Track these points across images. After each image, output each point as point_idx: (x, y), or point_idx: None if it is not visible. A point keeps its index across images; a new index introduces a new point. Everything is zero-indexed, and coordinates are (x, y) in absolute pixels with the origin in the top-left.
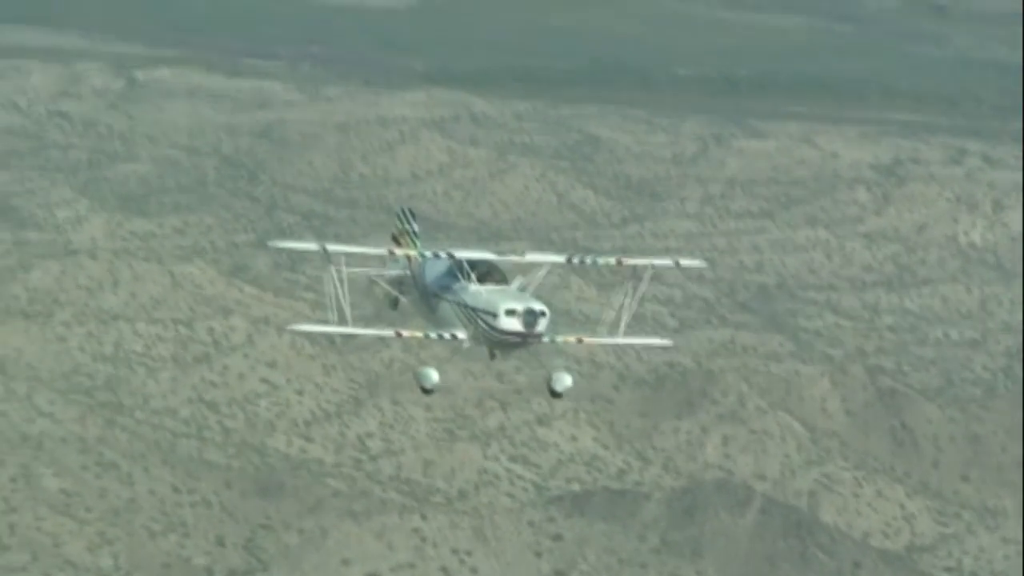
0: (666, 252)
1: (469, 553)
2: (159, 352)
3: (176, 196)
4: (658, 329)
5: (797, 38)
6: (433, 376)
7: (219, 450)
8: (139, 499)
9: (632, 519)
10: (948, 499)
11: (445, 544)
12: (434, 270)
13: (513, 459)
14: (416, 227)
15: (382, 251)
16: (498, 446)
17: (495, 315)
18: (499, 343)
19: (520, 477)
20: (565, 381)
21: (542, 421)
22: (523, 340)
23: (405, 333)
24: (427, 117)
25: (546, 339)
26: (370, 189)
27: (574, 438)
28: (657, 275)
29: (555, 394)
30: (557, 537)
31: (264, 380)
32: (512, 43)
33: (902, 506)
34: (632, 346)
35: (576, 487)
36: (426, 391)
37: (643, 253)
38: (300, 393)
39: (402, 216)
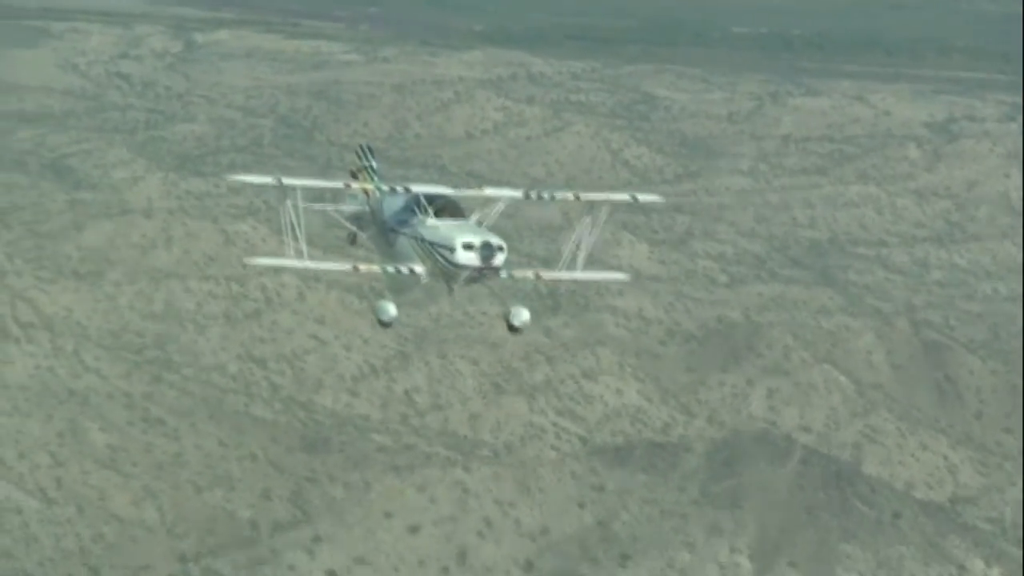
0: (719, 208)
1: (512, 505)
2: (210, 309)
3: (232, 156)
4: (708, 284)
5: None
6: (391, 310)
7: (266, 406)
8: (185, 453)
9: (673, 471)
10: (991, 450)
11: (488, 496)
12: (392, 205)
13: (559, 413)
14: (375, 163)
15: (339, 184)
16: (544, 400)
17: (452, 249)
18: (456, 277)
19: (566, 430)
20: (523, 316)
21: (588, 375)
22: (480, 274)
23: (362, 267)
24: (484, 77)
25: (504, 274)
26: (424, 148)
27: (620, 392)
28: (709, 231)
29: (513, 328)
30: (599, 488)
31: (312, 336)
32: (571, 3)
33: (945, 457)
34: (591, 281)
35: (620, 440)
36: (384, 324)
37: (696, 210)
38: (348, 349)
39: (361, 152)
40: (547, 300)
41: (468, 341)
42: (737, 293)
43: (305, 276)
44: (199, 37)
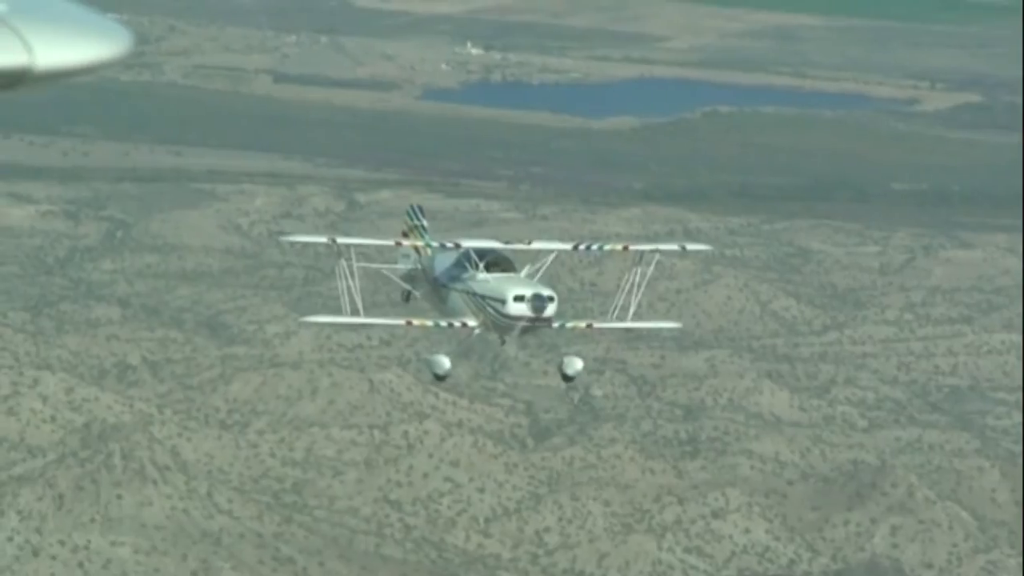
0: (862, 357)
1: None
2: (350, 456)
3: (385, 309)
4: (846, 429)
5: (1012, 154)
6: (445, 363)
7: (397, 546)
8: None
9: None
10: None
11: None
12: (443, 261)
13: (687, 551)
14: (425, 222)
15: (390, 242)
16: (673, 538)
17: (504, 301)
18: (508, 329)
19: (694, 567)
20: (576, 365)
21: (717, 515)
22: (532, 325)
23: (415, 322)
24: (641, 233)
25: (555, 324)
26: (576, 302)
27: (748, 530)
28: (851, 379)
29: (567, 378)
30: None
31: (448, 479)
32: (733, 162)
33: None
34: (642, 329)
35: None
36: (439, 378)
37: (840, 359)
38: (482, 491)
39: (412, 213)
40: (686, 446)
41: (600, 483)
42: (874, 437)
43: (449, 424)
44: (361, 197)
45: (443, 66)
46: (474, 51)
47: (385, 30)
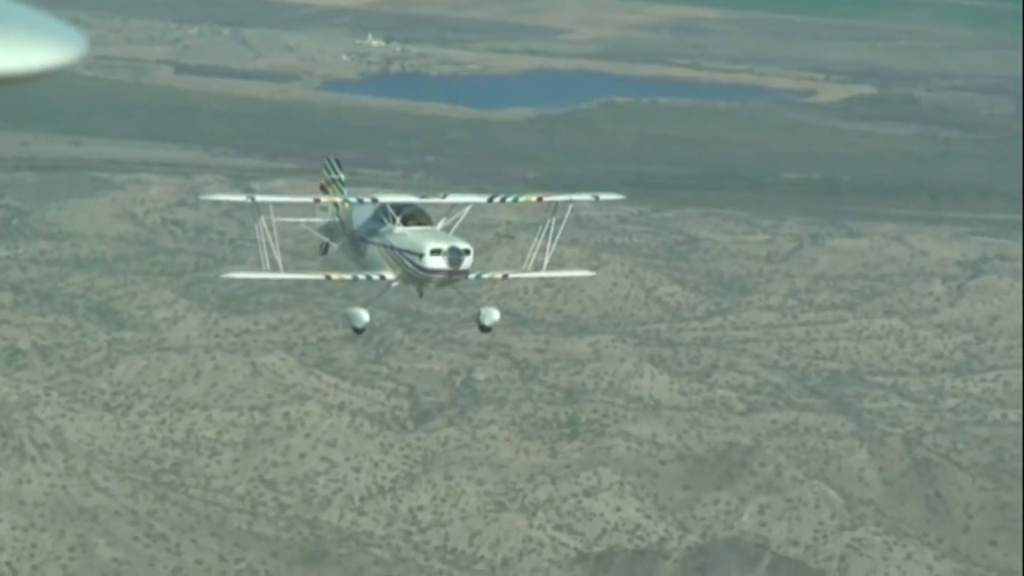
0: (744, 342)
1: None
2: (230, 437)
3: (276, 295)
4: (724, 412)
5: (905, 145)
6: (363, 316)
7: (271, 523)
8: (186, 567)
9: None
10: (976, 562)
11: None
12: (361, 216)
13: (558, 528)
14: (342, 176)
15: (308, 199)
16: (544, 516)
17: (420, 255)
18: (425, 282)
19: (564, 544)
20: (493, 315)
21: (589, 493)
22: (449, 278)
23: (334, 276)
24: (530, 221)
25: (472, 276)
26: (464, 287)
27: (619, 509)
28: (732, 363)
29: (484, 328)
30: None
31: (324, 459)
32: (627, 152)
33: (930, 568)
34: (555, 279)
35: (603, 549)
36: (357, 331)
37: (722, 344)
38: (357, 470)
39: (328, 166)
40: (565, 428)
41: (474, 463)
42: (751, 420)
43: (330, 406)
44: (256, 185)
45: (343, 57)
46: (374, 43)
47: (287, 22)
